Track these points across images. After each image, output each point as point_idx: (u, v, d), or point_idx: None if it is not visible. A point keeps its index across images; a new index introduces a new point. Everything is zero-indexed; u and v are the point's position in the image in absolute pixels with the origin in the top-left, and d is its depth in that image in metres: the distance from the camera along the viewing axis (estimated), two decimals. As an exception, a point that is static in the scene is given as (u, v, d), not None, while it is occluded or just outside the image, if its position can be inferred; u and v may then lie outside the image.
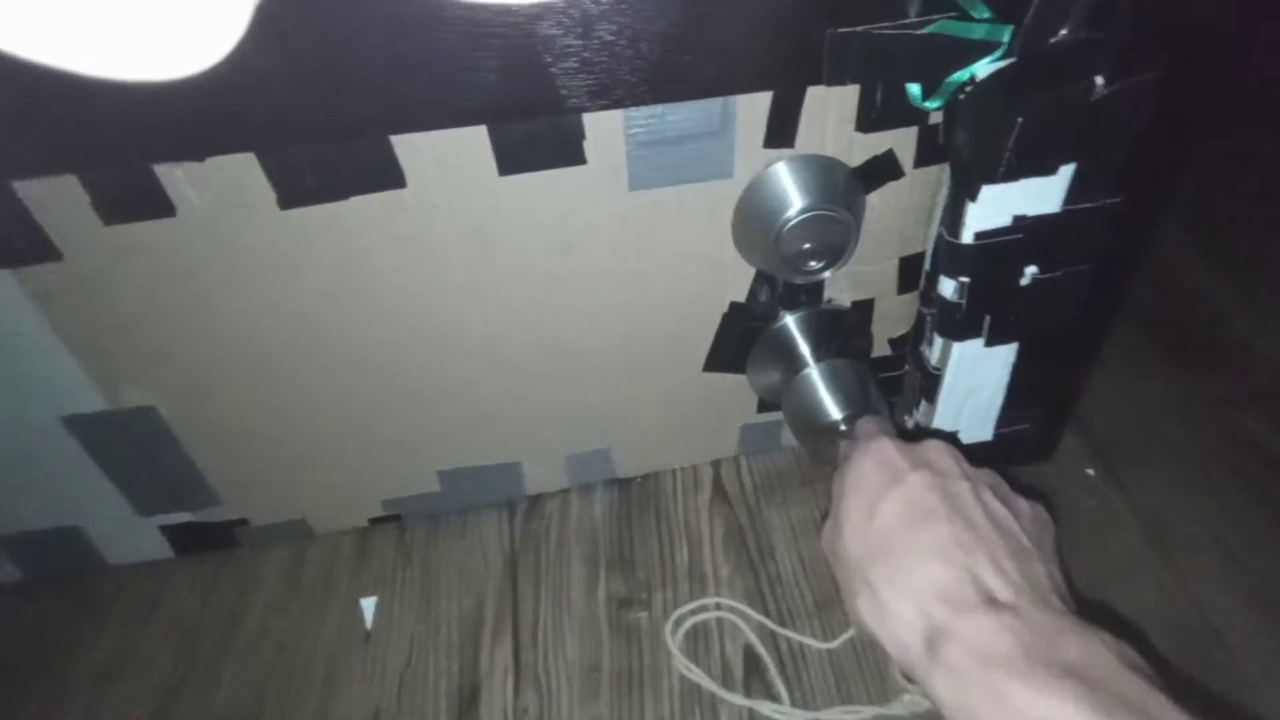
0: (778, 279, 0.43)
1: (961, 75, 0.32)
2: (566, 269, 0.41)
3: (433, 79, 0.30)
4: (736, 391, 0.49)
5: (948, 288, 0.39)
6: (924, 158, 0.39)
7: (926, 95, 0.34)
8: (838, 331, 0.46)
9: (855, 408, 0.43)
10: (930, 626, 0.28)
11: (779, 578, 0.46)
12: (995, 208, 0.35)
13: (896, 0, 0.31)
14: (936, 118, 0.37)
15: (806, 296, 0.45)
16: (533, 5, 0.28)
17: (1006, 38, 0.30)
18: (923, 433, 0.46)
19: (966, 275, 0.37)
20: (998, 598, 0.28)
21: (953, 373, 0.43)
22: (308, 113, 0.31)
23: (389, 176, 0.35)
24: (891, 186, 0.41)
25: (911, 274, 0.45)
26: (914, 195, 0.41)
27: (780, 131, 0.37)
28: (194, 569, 0.50)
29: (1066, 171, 0.34)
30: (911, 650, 0.29)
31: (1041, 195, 0.35)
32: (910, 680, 0.39)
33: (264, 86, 0.29)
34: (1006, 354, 0.42)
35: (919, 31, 0.31)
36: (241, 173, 0.34)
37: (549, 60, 0.30)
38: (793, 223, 0.38)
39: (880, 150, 0.39)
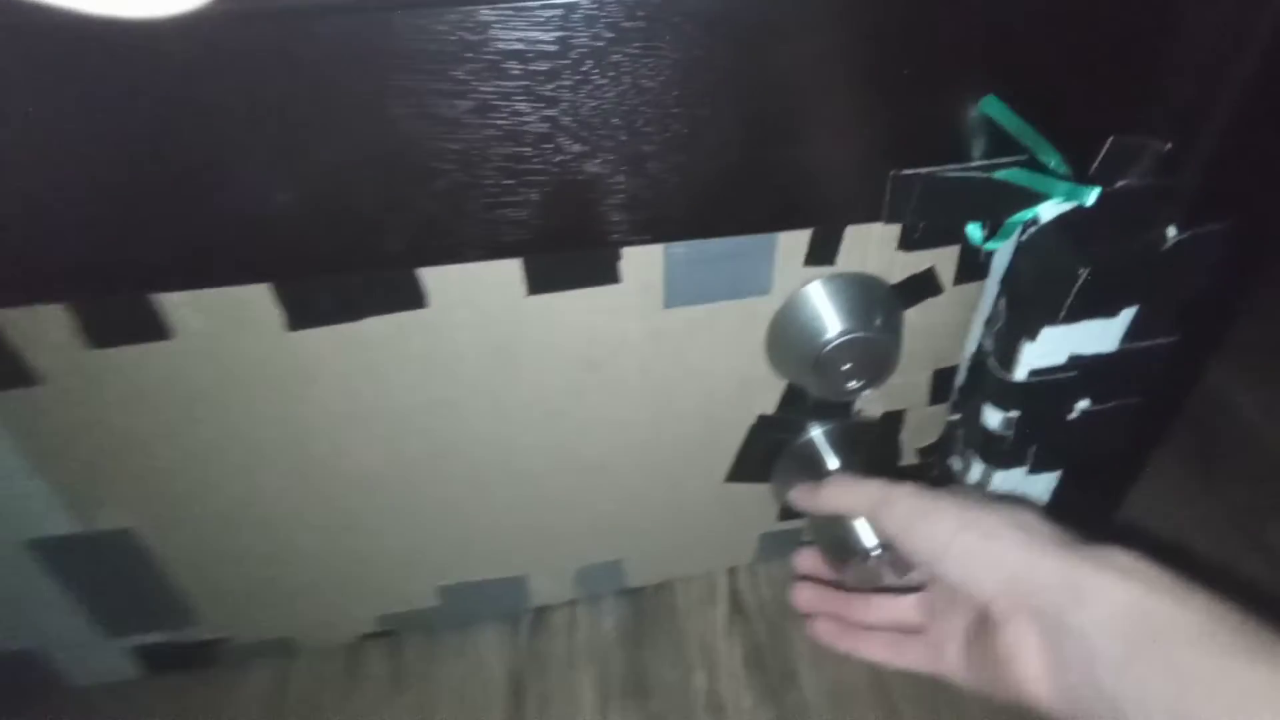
0: (809, 393, 0.41)
1: (1025, 215, 0.31)
2: (591, 385, 0.38)
3: (469, 215, 0.28)
4: (758, 500, 0.47)
5: (994, 419, 0.37)
6: (964, 274, 0.38)
7: (988, 236, 0.32)
8: (866, 442, 0.44)
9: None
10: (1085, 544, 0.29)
11: (804, 709, 0.43)
12: (1052, 346, 0.33)
13: (961, 142, 0.29)
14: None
15: (837, 409, 0.43)
16: (580, 149, 0.26)
17: (1090, 200, 0.29)
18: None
19: (1017, 409, 0.36)
20: None
21: None
22: (330, 245, 0.28)
23: (409, 297, 0.33)
24: (930, 302, 0.39)
25: (944, 385, 0.43)
26: (952, 311, 0.40)
27: (823, 250, 0.35)
28: (166, 691, 0.46)
29: (1127, 314, 0.32)
30: (1050, 545, 0.29)
31: (1100, 335, 0.33)
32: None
33: (285, 219, 0.27)
34: (1048, 481, 0.40)
35: (986, 176, 0.29)
36: (248, 294, 0.31)
37: (594, 197, 0.28)
38: (833, 344, 0.36)
39: (921, 268, 0.37)
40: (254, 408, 0.35)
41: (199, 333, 0.32)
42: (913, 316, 0.39)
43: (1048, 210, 0.31)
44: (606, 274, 0.34)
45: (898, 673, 0.42)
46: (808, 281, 0.37)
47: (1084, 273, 0.30)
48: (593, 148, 0.26)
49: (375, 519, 0.41)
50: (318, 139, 0.25)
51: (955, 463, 0.44)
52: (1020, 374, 0.34)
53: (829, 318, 0.37)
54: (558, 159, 0.26)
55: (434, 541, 0.43)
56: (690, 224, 0.30)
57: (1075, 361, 0.34)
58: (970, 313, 0.41)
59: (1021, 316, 0.34)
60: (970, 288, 0.39)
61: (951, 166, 0.29)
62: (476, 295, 0.33)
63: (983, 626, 0.31)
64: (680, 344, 0.38)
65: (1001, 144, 0.30)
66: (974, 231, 0.33)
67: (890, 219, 0.31)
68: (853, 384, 0.38)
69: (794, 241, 0.35)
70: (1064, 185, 0.29)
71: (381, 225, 0.28)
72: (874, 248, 0.36)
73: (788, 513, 0.48)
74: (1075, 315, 0.32)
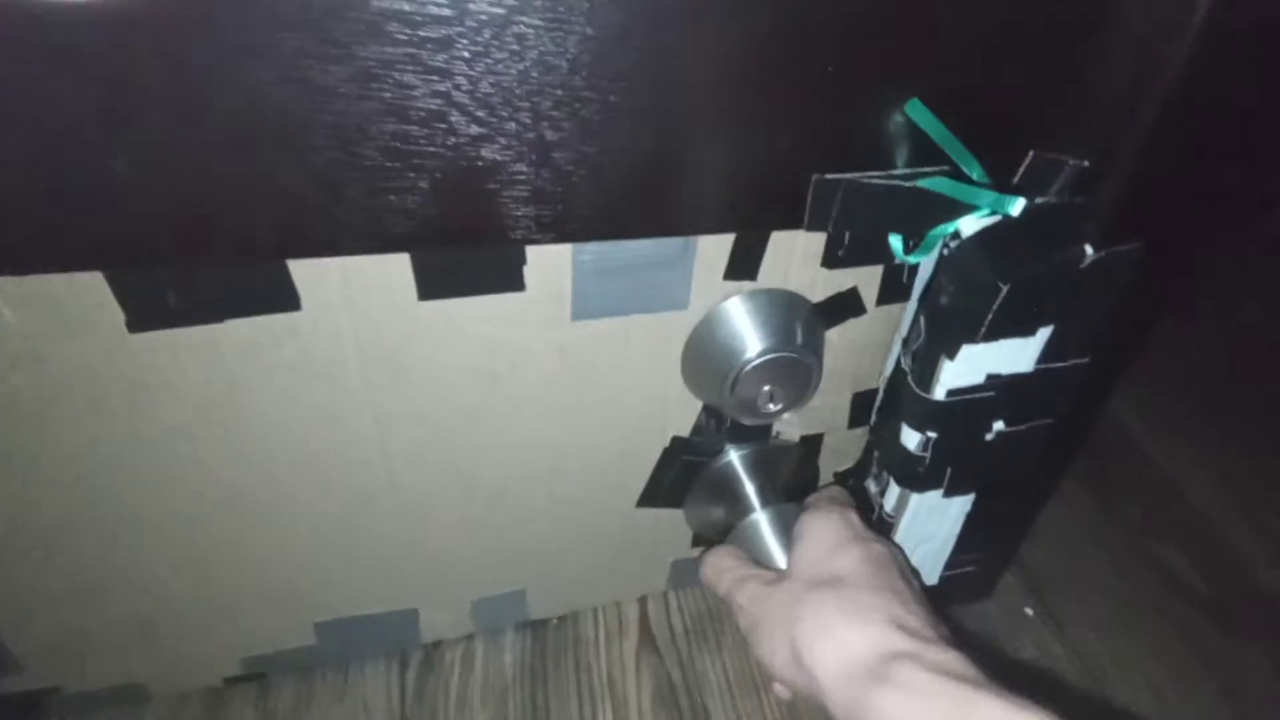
0: (726, 414, 0.39)
1: (947, 228, 0.30)
2: (491, 402, 0.35)
3: (347, 200, 0.24)
4: (669, 526, 0.44)
5: (911, 440, 0.36)
6: (887, 295, 0.37)
7: (908, 249, 0.31)
8: (784, 467, 0.43)
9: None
10: (887, 651, 0.28)
11: (716, 750, 0.41)
12: (970, 365, 0.32)
13: (885, 150, 0.28)
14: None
15: (754, 431, 0.41)
16: (477, 131, 0.23)
17: (1016, 210, 0.28)
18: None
19: (935, 430, 0.34)
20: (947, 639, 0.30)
21: (908, 521, 0.39)
22: (179, 229, 0.24)
23: (279, 298, 0.29)
24: (852, 323, 0.38)
25: (863, 408, 0.42)
26: (874, 332, 0.38)
27: (743, 265, 0.33)
28: (-19, 753, 0.39)
29: (1044, 333, 0.32)
30: (849, 674, 0.28)
31: (1017, 355, 0.32)
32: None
33: (121, 194, 0.22)
34: (963, 503, 0.39)
35: (910, 185, 0.28)
36: (79, 289, 0.26)
37: (493, 188, 0.25)
38: (753, 364, 0.34)
39: (844, 287, 0.36)
40: (85, 423, 0.30)
41: (17, 330, 0.27)
42: (834, 337, 0.38)
43: (968, 224, 0.30)
44: (509, 280, 0.31)
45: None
46: (727, 296, 0.35)
47: (1004, 289, 0.28)
48: (491, 130, 0.23)
49: (239, 548, 0.36)
50: (160, 99, 0.21)
51: (871, 485, 0.42)
52: (939, 393, 0.33)
53: (749, 335, 0.35)
54: (451, 141, 0.23)
55: (308, 572, 0.38)
56: (599, 223, 0.27)
57: (993, 381, 0.33)
58: (892, 334, 0.40)
59: (941, 334, 0.32)
60: (893, 309, 0.38)
61: (874, 174, 0.28)
62: (359, 298, 0.30)
63: None
64: (589, 359, 0.35)
65: (925, 154, 0.28)
66: (896, 244, 0.31)
67: (811, 226, 0.29)
68: (772, 406, 0.36)
69: (714, 254, 0.33)
70: (989, 194, 0.28)
71: (242, 208, 0.24)
72: (797, 264, 0.34)
73: (702, 539, 0.46)
74: (994, 333, 0.30)
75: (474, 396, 0.34)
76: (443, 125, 0.23)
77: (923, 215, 0.30)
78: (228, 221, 0.24)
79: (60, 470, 0.31)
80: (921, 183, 0.28)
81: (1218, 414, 0.65)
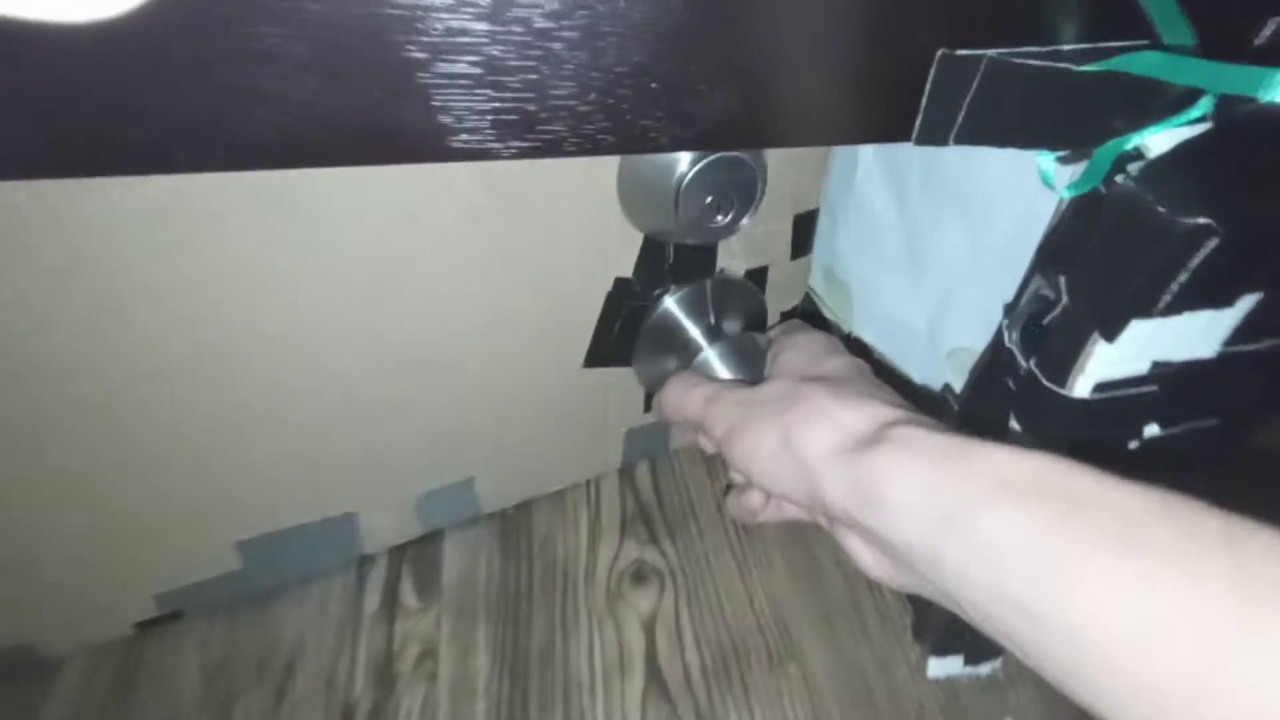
0: (669, 245, 0.36)
1: (1123, 143, 0.21)
2: (409, 248, 0.30)
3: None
4: (619, 391, 0.41)
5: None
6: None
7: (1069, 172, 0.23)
8: (732, 303, 0.40)
9: (769, 389, 0.37)
10: (882, 422, 0.26)
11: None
12: (1133, 349, 0.24)
13: (1046, 14, 0.20)
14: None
15: (698, 268, 0.38)
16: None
17: (1270, 91, 0.19)
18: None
19: (1066, 437, 0.26)
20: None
21: None
22: None
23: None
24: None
25: (804, 234, 0.40)
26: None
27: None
28: None
29: (1245, 303, 0.23)
30: (843, 449, 0.26)
31: (1201, 334, 0.23)
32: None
33: None
34: None
35: (1092, 67, 0.19)
36: None
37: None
38: (696, 170, 0.31)
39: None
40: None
41: None
42: (770, 154, 0.35)
43: (1158, 141, 0.21)
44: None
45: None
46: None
47: (1213, 241, 0.19)
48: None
49: (128, 459, 0.31)
50: None
51: None
52: (1082, 388, 0.24)
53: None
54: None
55: (223, 482, 0.33)
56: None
57: (1159, 371, 0.24)
58: (828, 147, 0.38)
59: (1096, 305, 0.23)
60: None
61: (1032, 49, 0.20)
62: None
63: None
64: (518, 190, 0.31)
65: (1111, 23, 0.20)
66: (1046, 164, 0.24)
67: (924, 136, 0.22)
68: (720, 218, 0.33)
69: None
70: (1239, 71, 0.18)
71: None
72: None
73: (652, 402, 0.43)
74: (1181, 304, 0.21)
75: (389, 243, 0.30)
76: None
77: (1092, 121, 0.21)
78: None
79: None
80: (1111, 62, 0.19)
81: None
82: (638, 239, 0.35)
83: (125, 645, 0.36)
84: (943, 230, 0.40)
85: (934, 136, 0.22)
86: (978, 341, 0.41)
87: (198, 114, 0.19)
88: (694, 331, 0.39)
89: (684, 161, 0.31)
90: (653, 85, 0.20)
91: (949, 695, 0.36)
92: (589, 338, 0.38)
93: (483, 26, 0.19)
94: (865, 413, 0.26)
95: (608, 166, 0.32)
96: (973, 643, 0.36)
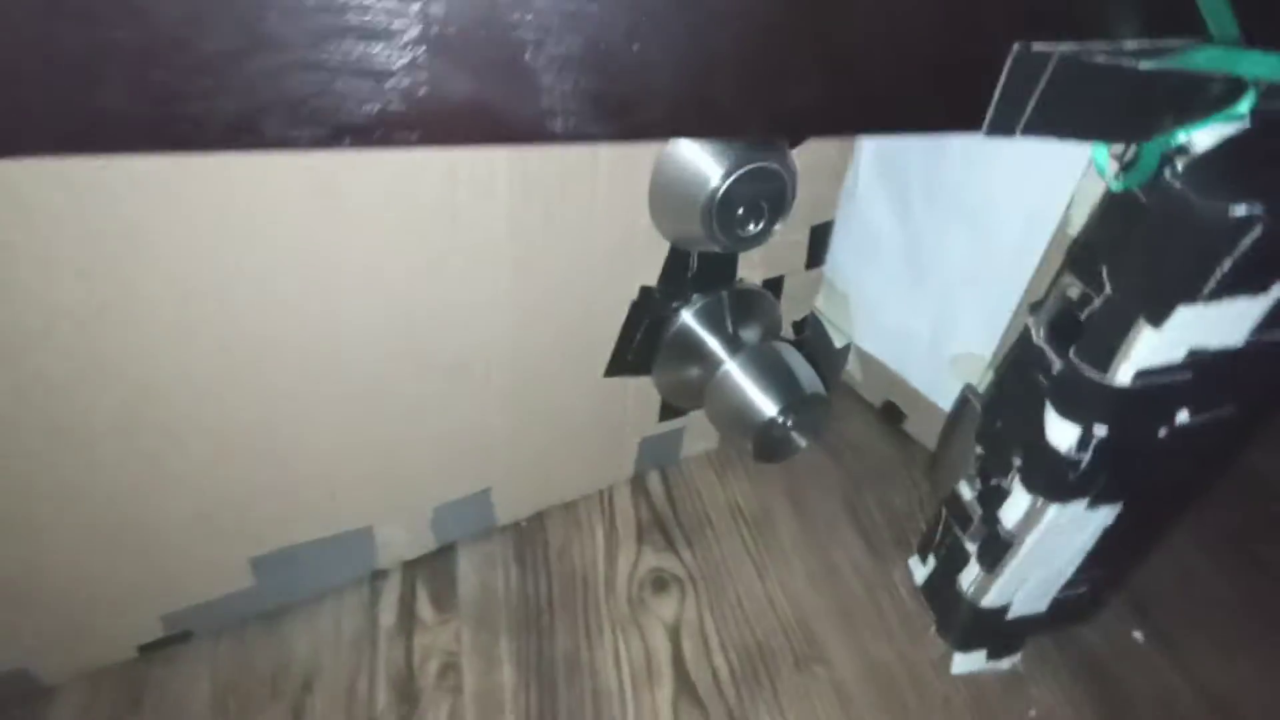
0: (693, 254, 0.37)
1: (1170, 140, 0.23)
2: (448, 249, 0.30)
3: None
4: (636, 400, 0.41)
5: (1066, 438, 0.28)
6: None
7: (1122, 166, 0.25)
8: (750, 314, 0.41)
9: (792, 396, 0.38)
10: None
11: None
12: (1175, 336, 0.25)
13: (1111, 9, 0.21)
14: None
15: (721, 275, 0.39)
16: None
17: None
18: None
19: (1106, 424, 0.27)
20: None
21: (1036, 539, 0.32)
22: None
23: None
24: (805, 145, 0.36)
25: (820, 244, 0.41)
26: (828, 155, 0.37)
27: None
28: None
29: (1277, 290, 0.25)
30: None
31: (1234, 322, 0.25)
32: None
33: None
34: (1106, 514, 0.32)
35: (1159, 63, 0.21)
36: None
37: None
38: (729, 183, 0.32)
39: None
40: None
41: None
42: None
43: (1203, 136, 0.23)
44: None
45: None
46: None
47: (1257, 230, 0.21)
48: None
49: (137, 473, 0.29)
50: None
51: (965, 491, 0.34)
52: (1124, 376, 0.25)
53: (716, 155, 0.32)
54: None
55: (236, 494, 0.32)
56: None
57: (1194, 358, 0.25)
58: (848, 157, 0.39)
59: (1143, 292, 0.24)
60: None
61: (1100, 45, 0.21)
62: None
63: None
64: (554, 192, 0.31)
65: (1168, 18, 0.22)
66: (1101, 158, 0.25)
67: (995, 127, 0.22)
68: (752, 227, 0.34)
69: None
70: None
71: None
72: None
73: (670, 410, 0.43)
74: (1224, 290, 0.23)
75: (430, 242, 0.30)
76: None
77: (1147, 116, 0.22)
78: None
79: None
80: (1173, 58, 0.20)
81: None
82: (663, 248, 0.36)
83: (128, 669, 0.34)
84: (948, 240, 0.41)
85: (1003, 127, 0.22)
86: (982, 346, 0.42)
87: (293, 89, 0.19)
88: (713, 343, 0.39)
89: (718, 172, 0.32)
90: (747, 74, 0.21)
91: (973, 690, 0.36)
92: (611, 346, 0.38)
93: (593, 9, 0.19)
94: None
95: (641, 174, 0.32)
96: (995, 639, 0.37)
